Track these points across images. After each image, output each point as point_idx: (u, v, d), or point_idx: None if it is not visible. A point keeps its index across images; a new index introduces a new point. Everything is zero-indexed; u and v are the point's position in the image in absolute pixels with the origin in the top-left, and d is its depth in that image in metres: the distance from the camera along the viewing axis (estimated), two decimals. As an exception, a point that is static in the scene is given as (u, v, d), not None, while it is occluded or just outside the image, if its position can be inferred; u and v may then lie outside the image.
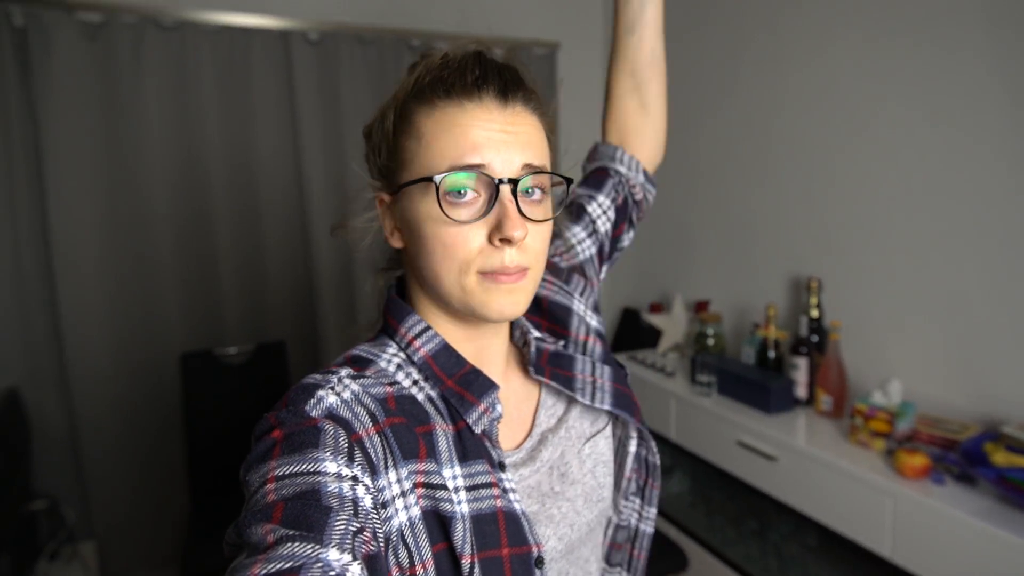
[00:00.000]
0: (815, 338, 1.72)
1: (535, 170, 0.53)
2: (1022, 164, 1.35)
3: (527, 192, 0.54)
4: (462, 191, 0.52)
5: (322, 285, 2.26)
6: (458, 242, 0.52)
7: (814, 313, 1.73)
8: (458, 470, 0.53)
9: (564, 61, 2.61)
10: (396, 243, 0.60)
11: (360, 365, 0.57)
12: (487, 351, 0.61)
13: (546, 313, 0.71)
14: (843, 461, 1.42)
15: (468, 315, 0.56)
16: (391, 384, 0.55)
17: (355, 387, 0.52)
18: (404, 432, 0.52)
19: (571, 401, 0.66)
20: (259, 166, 2.18)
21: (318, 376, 0.53)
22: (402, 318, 0.60)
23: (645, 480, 0.70)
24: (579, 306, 0.72)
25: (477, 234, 0.52)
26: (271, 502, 0.42)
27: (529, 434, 0.62)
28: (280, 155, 2.20)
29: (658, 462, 0.69)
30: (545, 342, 0.67)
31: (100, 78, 1.93)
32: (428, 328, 0.59)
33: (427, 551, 0.49)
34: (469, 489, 0.53)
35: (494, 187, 0.52)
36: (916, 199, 1.56)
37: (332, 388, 0.51)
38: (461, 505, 0.52)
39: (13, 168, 1.90)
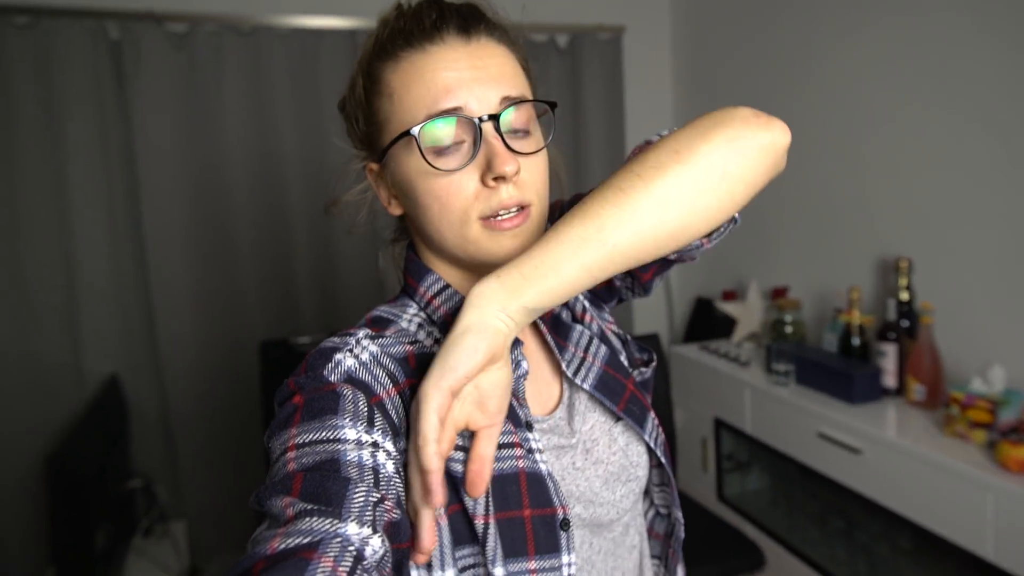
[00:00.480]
0: (905, 322, 1.59)
1: (514, 101, 0.51)
2: None
3: (513, 132, 0.52)
4: (445, 140, 0.50)
5: (388, 274, 2.32)
6: (451, 191, 0.51)
7: (904, 295, 1.60)
8: None
9: (630, 46, 2.55)
10: (395, 210, 0.58)
11: (380, 325, 0.56)
12: None
13: None
14: (938, 454, 1.31)
15: (479, 266, 0.54)
16: (412, 343, 0.55)
17: (373, 348, 0.52)
18: None
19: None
20: (330, 164, 2.26)
21: (336, 339, 0.53)
22: (421, 277, 0.59)
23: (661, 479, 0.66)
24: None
25: (469, 179, 0.51)
26: (291, 472, 0.42)
27: (560, 402, 0.60)
28: (349, 152, 2.27)
29: (667, 462, 0.65)
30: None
31: (186, 84, 2.06)
32: (447, 286, 0.58)
33: (441, 510, 0.49)
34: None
35: (476, 128, 0.50)
36: (1014, 168, 1.41)
37: (350, 351, 0.51)
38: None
39: (111, 170, 2.05)
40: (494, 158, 0.49)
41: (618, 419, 0.61)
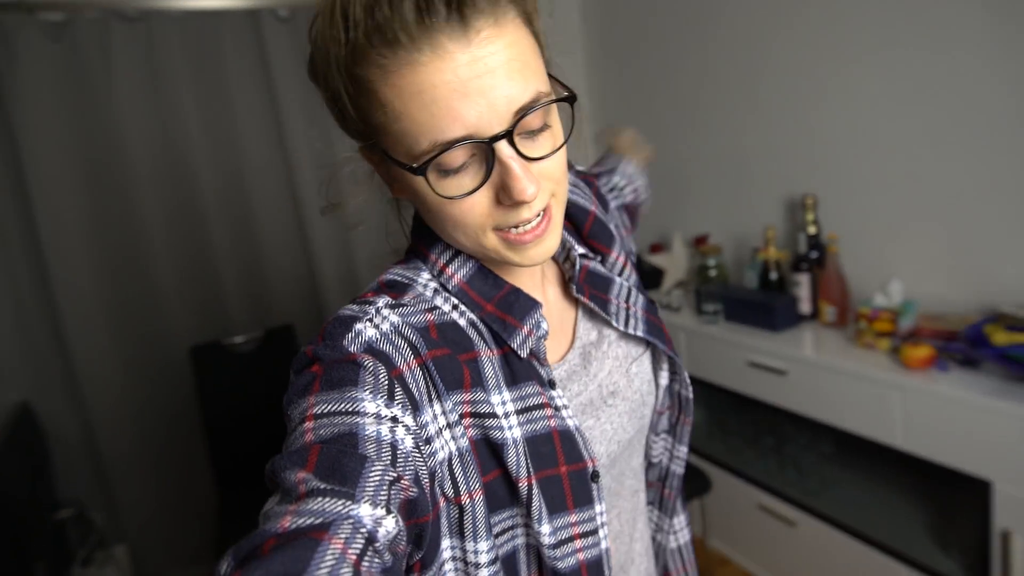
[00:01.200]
0: (814, 254, 1.76)
1: (526, 111, 0.45)
2: (1003, 64, 1.38)
3: (529, 135, 0.47)
4: (454, 164, 0.45)
5: (322, 262, 2.27)
6: (465, 211, 0.47)
7: (811, 229, 1.77)
8: (507, 395, 0.52)
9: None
10: (398, 193, 0.54)
11: (397, 290, 0.54)
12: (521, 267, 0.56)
13: (586, 226, 0.66)
14: (851, 364, 1.48)
15: None
16: (431, 310, 0.53)
17: (395, 318, 0.50)
18: (448, 363, 0.50)
19: (606, 323, 0.63)
20: (242, 150, 2.16)
21: (355, 307, 0.51)
22: (431, 243, 0.56)
23: (677, 416, 0.69)
24: (616, 229, 0.69)
25: (483, 197, 0.47)
26: (308, 443, 0.41)
27: (571, 346, 0.61)
28: (263, 136, 2.18)
29: (691, 395, 0.67)
30: (587, 257, 0.64)
31: (70, 78, 1.90)
32: (458, 253, 0.55)
33: (476, 481, 0.49)
34: (520, 412, 0.52)
35: (488, 148, 0.45)
36: (903, 105, 1.59)
37: (370, 320, 0.49)
38: (513, 430, 0.51)
39: (-6, 177, 1.87)
40: (510, 182, 0.45)
41: (633, 361, 0.64)
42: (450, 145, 0.44)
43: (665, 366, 0.67)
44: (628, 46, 2.47)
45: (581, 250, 0.63)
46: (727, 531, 2.00)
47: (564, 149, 0.50)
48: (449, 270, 0.55)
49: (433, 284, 0.55)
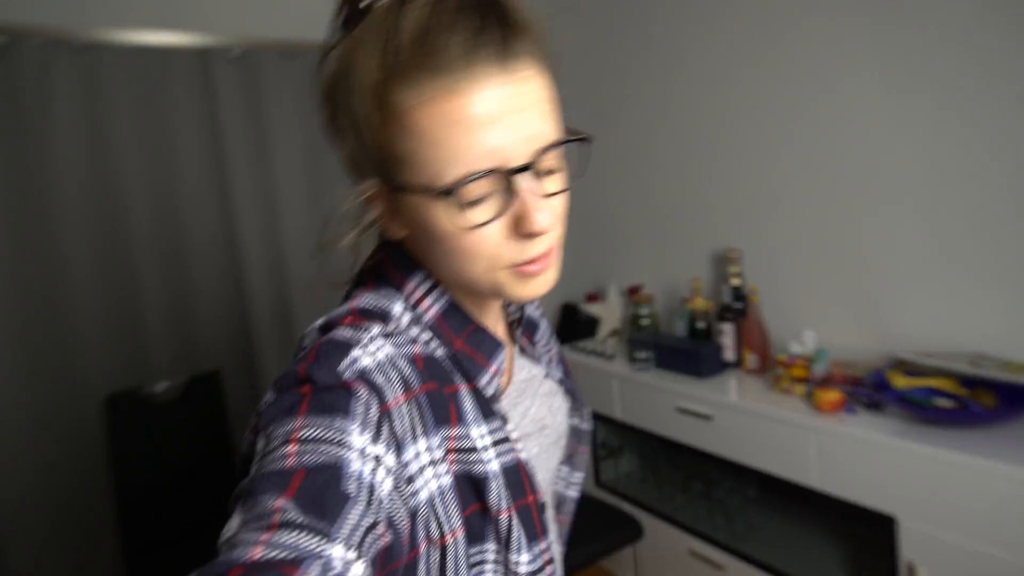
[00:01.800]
0: (738, 304, 1.86)
1: (548, 149, 0.48)
2: (906, 130, 1.55)
3: (544, 172, 0.50)
4: (477, 194, 0.46)
5: (256, 308, 2.22)
6: (480, 242, 0.48)
7: (735, 281, 1.88)
8: (484, 428, 0.53)
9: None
10: (398, 233, 0.54)
11: (376, 318, 0.53)
12: (489, 306, 0.60)
13: None
14: (770, 408, 1.56)
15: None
16: (415, 341, 0.53)
17: (389, 348, 0.49)
18: (436, 398, 0.51)
19: (534, 363, 0.68)
20: (182, 189, 2.13)
21: (348, 332, 0.49)
22: (409, 273, 0.55)
23: (575, 447, 0.72)
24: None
25: (496, 229, 0.48)
26: (291, 467, 0.40)
27: (510, 382, 0.63)
28: (204, 177, 2.16)
29: (588, 428, 0.71)
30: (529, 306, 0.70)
31: (7, 103, 1.86)
32: (436, 286, 0.56)
33: (457, 519, 0.49)
34: (495, 445, 0.53)
35: (508, 180, 0.47)
36: (815, 169, 1.74)
37: (366, 347, 0.48)
38: (492, 463, 0.52)
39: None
40: (527, 214, 0.47)
41: (554, 395, 0.68)
42: (479, 175, 0.45)
43: (568, 402, 0.71)
44: (566, 96, 2.61)
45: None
46: (659, 572, 2.01)
47: (567, 194, 0.53)
48: (426, 303, 0.55)
49: (407, 315, 0.55)
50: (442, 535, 0.48)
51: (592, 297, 2.42)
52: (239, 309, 2.24)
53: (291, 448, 0.41)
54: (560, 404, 0.68)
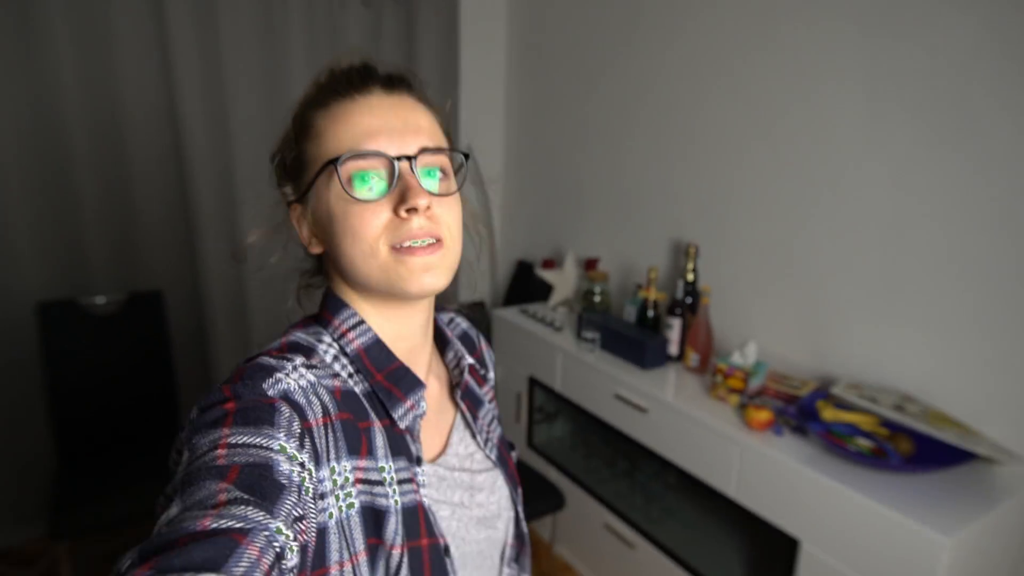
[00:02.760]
0: (689, 299, 1.86)
1: (427, 149, 0.55)
2: (875, 143, 1.50)
3: (428, 174, 0.56)
4: (364, 176, 0.54)
5: (202, 228, 2.11)
6: (365, 220, 0.53)
7: (690, 277, 1.86)
8: (391, 464, 0.56)
9: (466, 5, 2.51)
10: (315, 249, 0.60)
11: (302, 353, 0.57)
12: (416, 353, 0.63)
13: (475, 354, 0.77)
14: (703, 414, 1.59)
15: (392, 296, 0.58)
16: (335, 376, 0.56)
17: (311, 377, 0.53)
18: (350, 428, 0.53)
19: (473, 437, 0.69)
20: (121, 93, 1.96)
21: (271, 360, 0.53)
22: (337, 311, 0.61)
23: (520, 548, 0.74)
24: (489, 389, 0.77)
25: (383, 210, 0.54)
26: (224, 464, 0.41)
27: (443, 451, 0.65)
28: (149, 83, 1.98)
29: (526, 530, 0.73)
30: (475, 369, 0.73)
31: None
32: (362, 322, 0.60)
33: (361, 543, 0.51)
34: (399, 483, 0.56)
35: (393, 166, 0.54)
36: (783, 176, 1.70)
37: (288, 373, 0.52)
38: (394, 499, 0.54)
39: None
40: (407, 191, 0.53)
41: (498, 477, 0.70)
42: (366, 152, 0.54)
43: (508, 488, 0.71)
44: (547, 59, 2.45)
45: (471, 360, 0.71)
46: (574, 541, 2.12)
47: (459, 205, 0.59)
48: (350, 335, 0.59)
49: (333, 349, 0.59)
50: (347, 557, 0.50)
51: (548, 263, 2.38)
52: (185, 230, 2.14)
53: (220, 452, 0.42)
54: (502, 488, 0.69)
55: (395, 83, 0.58)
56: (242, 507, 0.38)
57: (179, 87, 1.98)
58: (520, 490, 0.73)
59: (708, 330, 1.79)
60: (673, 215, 2.02)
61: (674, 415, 1.66)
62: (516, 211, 2.76)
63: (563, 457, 2.19)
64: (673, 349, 1.88)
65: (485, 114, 2.69)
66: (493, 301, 2.81)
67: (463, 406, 0.68)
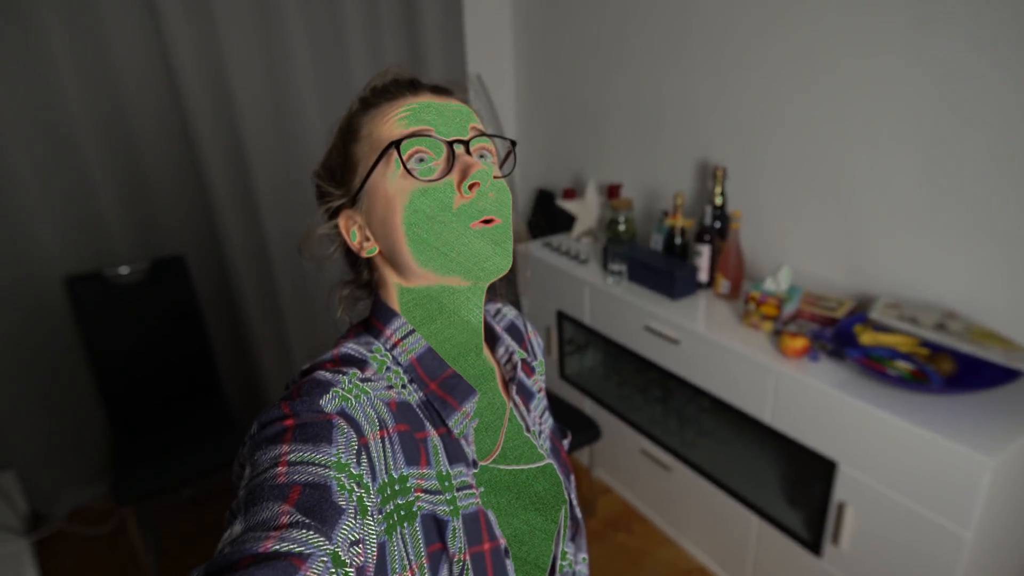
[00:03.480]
0: (718, 224, 1.80)
1: (482, 133, 0.57)
2: (918, 68, 1.38)
3: (480, 158, 0.56)
4: (423, 159, 0.54)
5: (218, 191, 2.08)
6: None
7: (718, 201, 1.79)
8: (450, 472, 0.56)
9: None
10: (370, 251, 0.60)
11: (355, 365, 0.57)
12: (466, 352, 0.64)
13: (523, 344, 0.76)
14: (736, 343, 1.57)
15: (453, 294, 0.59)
16: (390, 387, 0.57)
17: (366, 390, 0.53)
18: (407, 439, 0.54)
19: (527, 429, 0.69)
20: (116, 59, 1.88)
21: (328, 374, 0.53)
22: (388, 320, 0.61)
23: (575, 530, 0.73)
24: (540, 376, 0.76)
25: (448, 189, 0.54)
26: (284, 483, 0.42)
27: (498, 449, 0.65)
28: (138, 43, 1.89)
29: (580, 516, 0.73)
30: (526, 362, 0.72)
31: None
32: (413, 331, 0.60)
33: (423, 552, 0.52)
34: (458, 490, 0.56)
35: (449, 148, 0.54)
36: (816, 94, 1.58)
37: (343, 387, 0.52)
38: (455, 506, 0.55)
39: None
40: (468, 169, 0.53)
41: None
42: (422, 131, 0.54)
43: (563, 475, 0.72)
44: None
45: (523, 355, 0.70)
46: (611, 466, 2.19)
47: (510, 196, 0.59)
48: (403, 345, 0.59)
49: (386, 360, 0.59)
50: (412, 564, 0.51)
51: (569, 193, 2.31)
52: (200, 194, 2.11)
53: (280, 469, 0.43)
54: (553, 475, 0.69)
55: (443, 91, 0.59)
56: (303, 531, 0.38)
57: (173, 44, 1.88)
58: (572, 477, 0.73)
59: (739, 256, 1.74)
60: (699, 136, 1.92)
61: (707, 346, 1.65)
62: (533, 138, 2.66)
63: (596, 386, 2.22)
64: (703, 276, 1.84)
65: (492, 36, 2.54)
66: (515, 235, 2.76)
67: (516, 400, 0.68)
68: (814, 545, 1.50)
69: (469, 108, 0.59)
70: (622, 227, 2.05)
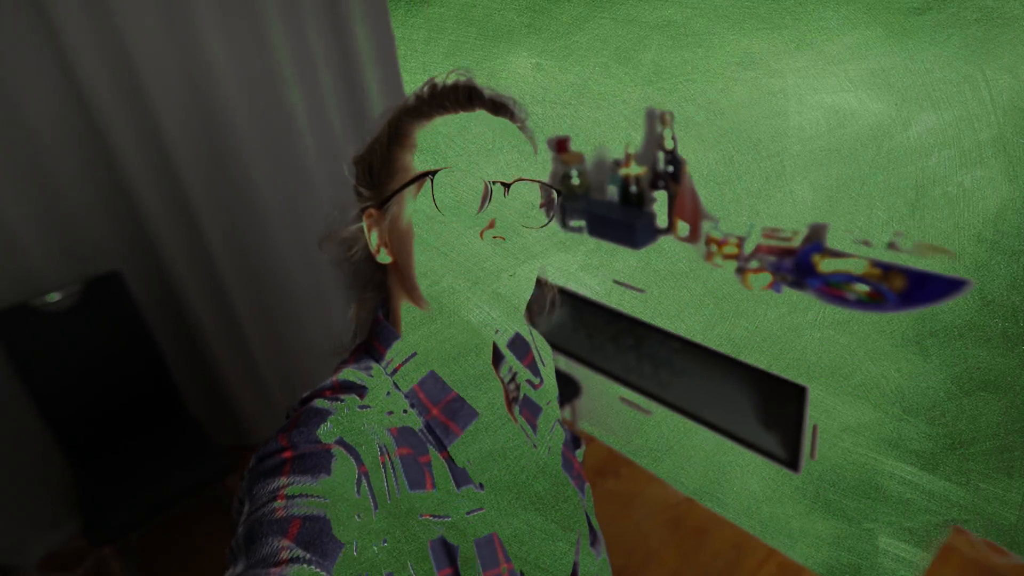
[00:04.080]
0: (671, 168, 1.81)
1: (525, 181, 0.56)
2: None
3: None
4: None
5: (142, 194, 1.92)
6: None
7: (668, 144, 1.80)
8: (456, 495, 0.55)
9: None
10: (384, 258, 0.59)
11: (355, 391, 0.56)
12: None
13: (526, 360, 0.72)
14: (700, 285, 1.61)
15: None
16: (390, 413, 0.56)
17: (366, 417, 0.53)
18: (411, 462, 0.53)
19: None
20: (7, 64, 1.67)
21: (326, 402, 0.52)
22: (389, 343, 0.59)
23: (593, 539, 0.71)
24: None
25: None
26: (283, 517, 0.42)
27: None
28: (32, 62, 1.69)
29: (598, 527, 0.71)
30: (531, 383, 0.69)
31: None
32: (415, 355, 0.59)
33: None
34: (467, 513, 0.55)
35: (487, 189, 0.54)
36: (731, 36, 1.58)
37: (342, 415, 0.51)
38: (464, 531, 0.54)
39: None
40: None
41: None
42: None
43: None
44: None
45: (527, 374, 0.68)
46: (594, 416, 2.25)
47: None
48: (403, 371, 0.58)
49: (387, 385, 0.58)
50: None
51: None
52: (121, 199, 1.94)
53: (279, 503, 0.43)
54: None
55: (499, 109, 0.58)
56: (305, 567, 0.39)
57: (66, 38, 1.69)
58: (587, 486, 0.72)
59: (695, 197, 1.77)
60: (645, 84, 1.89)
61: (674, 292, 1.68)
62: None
63: (567, 340, 2.24)
64: (661, 221, 1.86)
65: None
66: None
67: (521, 420, 0.66)
68: (792, 463, 1.60)
69: (519, 131, 0.59)
70: (576, 180, 2.03)
